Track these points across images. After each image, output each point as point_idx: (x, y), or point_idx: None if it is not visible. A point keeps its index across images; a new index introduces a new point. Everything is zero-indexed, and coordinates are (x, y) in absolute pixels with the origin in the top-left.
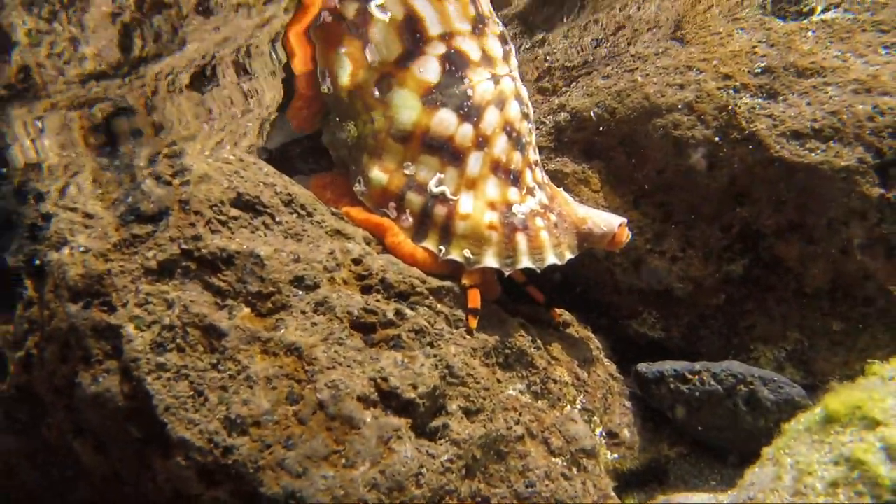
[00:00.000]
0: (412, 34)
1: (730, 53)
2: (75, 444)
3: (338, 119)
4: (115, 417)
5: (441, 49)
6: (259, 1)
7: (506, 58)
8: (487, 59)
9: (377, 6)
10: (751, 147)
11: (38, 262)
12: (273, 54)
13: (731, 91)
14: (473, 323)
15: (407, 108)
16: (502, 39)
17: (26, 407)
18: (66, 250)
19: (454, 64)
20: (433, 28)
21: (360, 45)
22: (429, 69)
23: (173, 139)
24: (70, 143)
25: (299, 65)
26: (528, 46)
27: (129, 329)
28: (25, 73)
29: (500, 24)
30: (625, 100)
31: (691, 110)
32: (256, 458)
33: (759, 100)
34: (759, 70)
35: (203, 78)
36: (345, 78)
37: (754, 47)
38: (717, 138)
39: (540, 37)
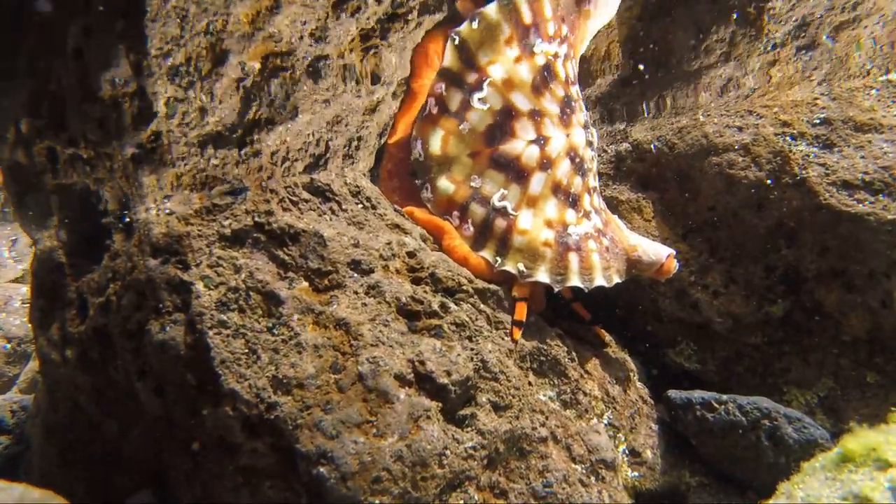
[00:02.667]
0: (505, 114)
1: (791, 102)
2: (138, 385)
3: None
4: (176, 364)
5: (531, 135)
6: (366, 77)
7: (589, 144)
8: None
9: (479, 99)
10: (800, 192)
11: (127, 219)
12: (377, 143)
13: (788, 138)
14: (517, 334)
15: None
16: (584, 126)
17: (99, 348)
18: (153, 211)
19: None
20: (524, 106)
21: (455, 123)
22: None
23: None
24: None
25: (396, 139)
26: (609, 130)
27: (199, 286)
28: (156, 136)
29: (585, 111)
30: (685, 136)
31: (747, 152)
32: (296, 416)
33: (815, 148)
34: (818, 120)
35: (316, 167)
36: (436, 145)
37: (816, 99)
38: (768, 181)
39: (621, 127)
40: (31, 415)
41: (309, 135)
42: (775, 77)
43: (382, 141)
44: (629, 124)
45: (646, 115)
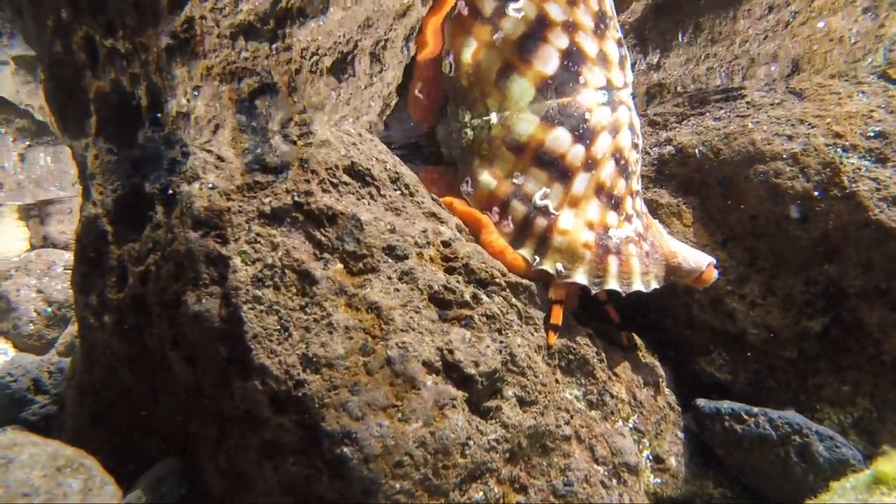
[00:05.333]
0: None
1: (845, 113)
2: (170, 355)
3: (455, 107)
4: (209, 336)
5: (563, 42)
6: None
7: (622, 63)
8: (604, 61)
9: (514, 9)
10: (848, 206)
11: (171, 191)
12: (405, 50)
13: (840, 150)
14: (552, 338)
15: (525, 120)
16: (619, 44)
17: (136, 316)
18: (196, 185)
19: (572, 59)
20: (558, 16)
21: (489, 31)
22: (548, 62)
23: (304, 105)
24: (217, 99)
25: (427, 53)
26: (642, 68)
27: (236, 261)
28: (189, 23)
29: (620, 30)
30: (731, 143)
31: (795, 161)
32: (323, 395)
33: (867, 162)
34: (873, 133)
35: (343, 65)
36: (468, 56)
37: (872, 111)
38: (816, 193)
39: (655, 60)
40: (67, 377)
41: (340, 34)
42: (817, 1)
43: (411, 48)
44: (663, 55)
45: (680, 40)
